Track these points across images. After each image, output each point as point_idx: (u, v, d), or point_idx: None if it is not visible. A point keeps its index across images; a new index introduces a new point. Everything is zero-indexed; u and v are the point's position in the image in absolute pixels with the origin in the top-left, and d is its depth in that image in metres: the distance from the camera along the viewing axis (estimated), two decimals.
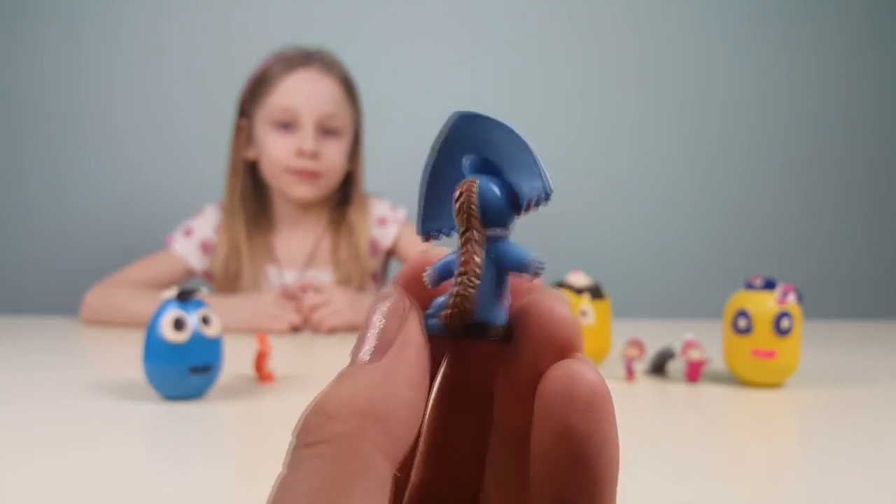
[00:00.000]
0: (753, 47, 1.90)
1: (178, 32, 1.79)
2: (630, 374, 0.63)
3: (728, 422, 0.52)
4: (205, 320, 0.54)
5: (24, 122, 1.77)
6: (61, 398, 0.55)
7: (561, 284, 0.68)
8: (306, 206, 1.10)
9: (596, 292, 0.66)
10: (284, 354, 0.73)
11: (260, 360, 0.61)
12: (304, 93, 1.02)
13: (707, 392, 0.60)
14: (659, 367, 0.65)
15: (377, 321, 0.13)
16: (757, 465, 0.42)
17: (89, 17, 1.78)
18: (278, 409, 0.55)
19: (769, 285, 0.59)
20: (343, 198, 1.12)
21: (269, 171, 1.05)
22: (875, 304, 1.88)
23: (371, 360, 0.12)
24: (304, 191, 1.04)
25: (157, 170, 1.79)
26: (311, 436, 0.12)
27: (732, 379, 0.63)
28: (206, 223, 1.12)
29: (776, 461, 0.42)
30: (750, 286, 0.61)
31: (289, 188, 1.05)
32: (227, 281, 1.07)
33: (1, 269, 1.77)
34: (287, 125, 1.02)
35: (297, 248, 1.11)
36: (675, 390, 0.60)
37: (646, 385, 0.62)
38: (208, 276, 1.12)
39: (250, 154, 1.08)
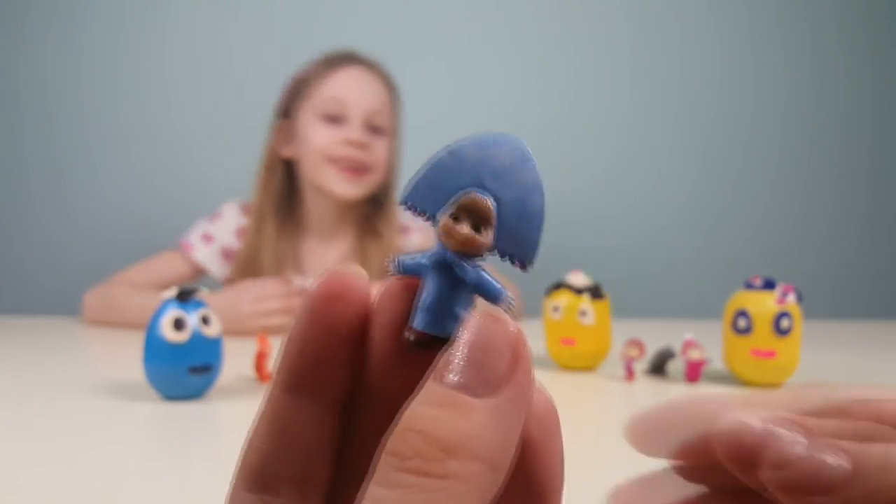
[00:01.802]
0: (752, 47, 1.90)
1: (182, 34, 1.79)
2: (630, 374, 0.63)
3: None
4: (205, 320, 0.54)
5: (24, 122, 1.77)
6: (61, 398, 0.55)
7: (561, 284, 0.68)
8: (340, 211, 1.06)
9: (596, 292, 0.67)
10: None
11: (260, 360, 0.61)
12: (352, 87, 1.01)
13: (706, 392, 0.60)
14: (659, 367, 0.65)
15: (488, 345, 0.12)
16: None
17: (95, 18, 1.78)
18: None
19: (769, 285, 0.59)
20: (374, 204, 1.08)
21: (312, 163, 1.01)
22: (875, 303, 1.88)
23: (481, 395, 0.11)
24: (346, 189, 1.00)
25: (157, 171, 1.79)
26: (424, 465, 0.11)
27: (732, 379, 0.63)
28: (228, 227, 1.07)
29: None
30: (750, 286, 0.61)
31: (330, 183, 1.00)
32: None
33: (2, 269, 1.77)
34: (335, 118, 1.00)
35: (326, 255, 1.07)
36: (675, 390, 0.60)
37: (645, 385, 0.62)
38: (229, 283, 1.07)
39: (287, 151, 1.06)
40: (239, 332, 0.82)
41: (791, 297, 0.58)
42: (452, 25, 1.82)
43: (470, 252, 0.13)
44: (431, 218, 0.13)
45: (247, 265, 1.02)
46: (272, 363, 0.61)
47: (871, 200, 1.94)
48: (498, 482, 0.11)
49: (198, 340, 0.53)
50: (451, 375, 0.11)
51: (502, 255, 0.13)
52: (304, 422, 0.13)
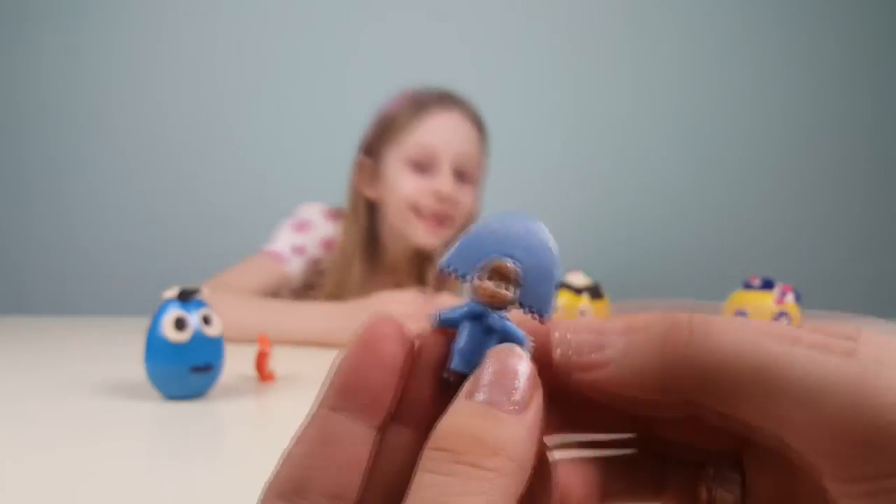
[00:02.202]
0: (751, 47, 1.90)
1: (177, 36, 1.79)
2: None
3: None
4: (206, 320, 0.54)
5: (27, 124, 1.77)
6: (63, 398, 0.56)
7: (560, 284, 0.68)
8: (417, 253, 1.04)
9: (595, 292, 0.67)
10: (285, 354, 0.74)
11: (261, 360, 0.61)
12: (444, 134, 0.99)
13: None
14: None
15: (509, 372, 0.14)
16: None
17: (91, 20, 1.78)
18: (279, 408, 0.55)
19: (767, 285, 0.60)
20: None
21: (396, 211, 1.00)
22: (874, 303, 1.89)
23: (508, 411, 0.14)
24: (429, 239, 0.98)
25: (158, 172, 1.79)
26: (477, 460, 0.13)
27: None
28: (316, 237, 1.05)
29: None
30: (748, 286, 0.61)
31: (414, 232, 0.99)
32: None
33: (4, 269, 1.77)
34: (423, 166, 0.98)
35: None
36: None
37: None
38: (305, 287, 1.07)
39: (371, 192, 1.03)
40: None
41: (790, 297, 0.58)
42: (452, 25, 1.82)
43: (497, 305, 0.16)
44: (464, 278, 0.17)
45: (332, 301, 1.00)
46: (273, 363, 0.62)
47: (869, 199, 1.94)
48: (524, 481, 0.14)
49: (199, 340, 0.53)
50: (480, 394, 0.14)
51: (523, 309, 0.16)
52: (345, 439, 0.15)
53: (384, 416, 0.15)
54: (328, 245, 1.05)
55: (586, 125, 1.89)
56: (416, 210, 0.97)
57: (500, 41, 1.85)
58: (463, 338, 0.16)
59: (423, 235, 0.98)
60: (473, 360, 0.15)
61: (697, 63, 1.89)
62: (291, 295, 1.05)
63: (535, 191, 1.85)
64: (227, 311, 0.83)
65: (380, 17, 1.79)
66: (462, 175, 0.99)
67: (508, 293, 0.16)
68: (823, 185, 1.93)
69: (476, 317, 0.16)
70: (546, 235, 0.17)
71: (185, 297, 0.54)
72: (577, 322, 0.16)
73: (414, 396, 0.16)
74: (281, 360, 0.67)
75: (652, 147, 1.90)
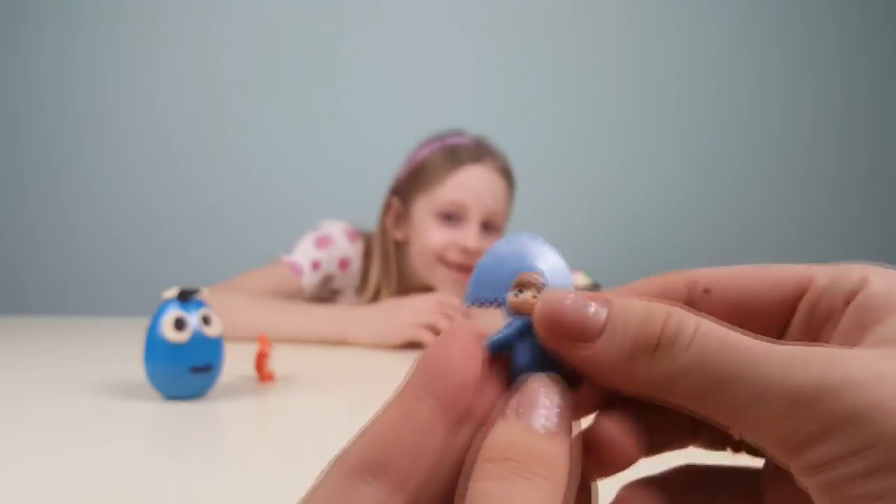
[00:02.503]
0: (749, 49, 1.90)
1: (175, 39, 1.79)
2: None
3: None
4: (205, 320, 0.54)
5: (32, 125, 1.78)
6: (63, 398, 0.56)
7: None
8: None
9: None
10: (284, 355, 0.74)
11: (260, 361, 0.61)
12: (474, 188, 1.01)
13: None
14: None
15: (545, 396, 0.16)
16: (749, 461, 0.42)
17: (90, 21, 1.78)
18: (279, 408, 0.55)
19: None
20: None
21: (422, 257, 1.03)
22: None
23: (550, 433, 0.15)
24: (453, 289, 1.00)
25: (159, 173, 1.80)
26: (531, 462, 0.14)
27: None
28: (335, 255, 1.06)
29: None
30: None
31: (439, 282, 1.02)
32: None
33: (5, 270, 1.77)
34: (452, 217, 1.01)
35: None
36: None
37: None
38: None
39: (399, 234, 1.06)
40: (391, 340, 0.85)
41: None
42: (450, 24, 1.82)
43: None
44: (497, 302, 0.18)
45: None
46: (272, 363, 0.62)
47: (868, 201, 1.95)
48: (570, 500, 0.15)
49: (199, 340, 0.53)
50: (526, 416, 0.15)
51: None
52: (425, 428, 0.15)
53: (461, 413, 0.16)
54: (344, 264, 1.07)
55: (587, 127, 1.89)
56: (442, 259, 1.00)
57: (499, 42, 1.85)
58: (521, 353, 0.17)
59: (447, 285, 1.00)
60: (540, 368, 0.17)
61: (697, 68, 1.90)
62: None
63: (536, 192, 1.86)
64: (236, 311, 0.84)
65: (382, 21, 1.79)
66: (489, 225, 1.02)
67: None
68: (824, 185, 1.93)
69: (525, 330, 0.17)
70: (541, 238, 0.19)
71: (185, 298, 0.54)
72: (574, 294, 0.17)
73: (482, 401, 0.17)
74: (280, 361, 0.67)
75: (653, 149, 1.90)
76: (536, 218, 1.92)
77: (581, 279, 0.68)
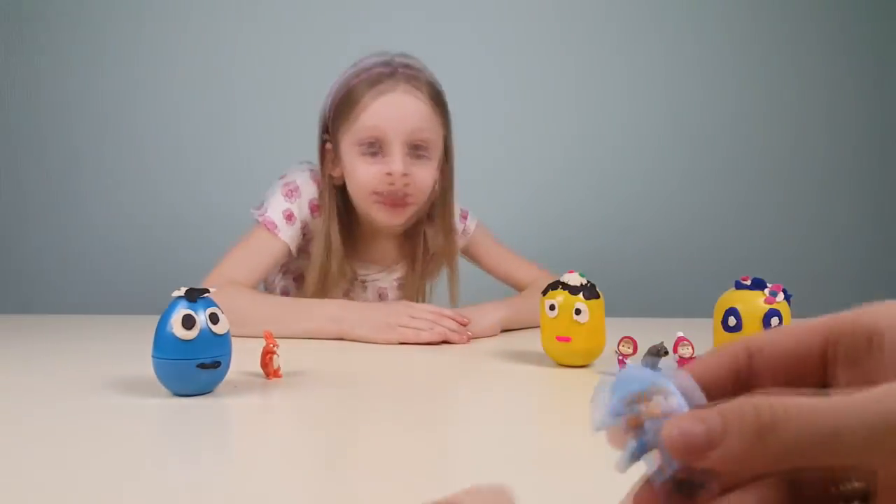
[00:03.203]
0: (744, 52, 1.92)
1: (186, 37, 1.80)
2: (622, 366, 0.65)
3: None
4: (213, 318, 0.56)
5: (36, 125, 1.78)
6: (73, 395, 0.57)
7: (557, 284, 0.70)
8: (392, 231, 1.07)
9: (591, 292, 0.68)
10: (290, 352, 0.75)
11: (266, 358, 0.63)
12: (391, 113, 0.96)
13: None
14: (651, 364, 0.66)
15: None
16: None
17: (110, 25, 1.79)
18: (285, 405, 0.56)
19: (758, 284, 0.61)
20: (428, 220, 1.09)
21: (357, 196, 1.01)
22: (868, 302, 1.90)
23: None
24: (390, 219, 1.00)
25: (161, 174, 1.81)
26: None
27: None
28: (304, 202, 1.05)
29: None
30: (740, 285, 0.62)
31: (376, 215, 1.00)
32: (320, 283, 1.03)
33: (14, 269, 1.78)
34: (374, 147, 0.97)
35: (387, 271, 1.11)
36: None
37: None
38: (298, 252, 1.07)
39: (337, 174, 1.03)
40: (385, 338, 0.86)
41: (780, 297, 0.60)
42: (449, 23, 1.84)
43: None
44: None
45: (317, 287, 1.02)
46: (278, 360, 0.63)
47: (867, 202, 1.96)
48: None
49: (206, 337, 0.55)
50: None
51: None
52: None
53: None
54: (314, 209, 1.04)
55: (581, 127, 1.90)
56: (375, 194, 0.98)
57: (498, 42, 1.87)
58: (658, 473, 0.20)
59: (382, 216, 0.99)
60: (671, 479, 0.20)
61: (693, 66, 1.91)
62: (290, 264, 1.08)
63: (531, 193, 1.87)
64: (242, 313, 0.83)
65: (384, 18, 1.81)
66: (417, 150, 0.98)
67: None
68: (823, 186, 1.95)
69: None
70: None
71: (193, 297, 0.56)
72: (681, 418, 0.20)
73: None
74: (286, 358, 0.69)
75: (647, 148, 1.92)
76: (536, 219, 1.94)
77: (576, 279, 0.69)
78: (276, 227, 1.01)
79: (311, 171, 1.07)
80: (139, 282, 1.76)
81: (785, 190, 1.94)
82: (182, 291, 0.56)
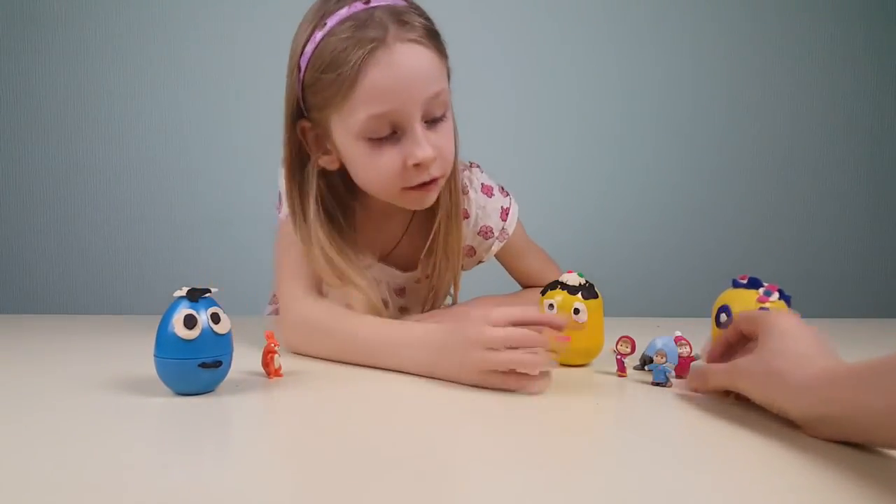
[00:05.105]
0: (751, 48, 1.92)
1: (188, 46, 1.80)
2: (622, 369, 0.66)
3: (713, 414, 0.54)
4: (214, 318, 0.56)
5: (39, 126, 1.79)
6: (75, 394, 0.57)
7: (556, 284, 0.70)
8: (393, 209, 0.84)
9: (589, 291, 0.69)
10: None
11: (268, 357, 0.63)
12: (396, 86, 0.70)
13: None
14: (649, 363, 0.67)
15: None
16: (741, 457, 0.45)
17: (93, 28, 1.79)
18: (286, 404, 0.57)
19: (753, 283, 0.62)
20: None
21: (373, 190, 0.79)
22: (867, 303, 1.91)
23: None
24: (421, 203, 0.78)
25: (162, 174, 1.81)
26: None
27: None
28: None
29: (760, 452, 0.45)
30: (737, 284, 0.63)
31: (403, 203, 0.79)
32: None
33: (20, 272, 1.79)
34: (384, 132, 0.72)
35: (386, 235, 0.89)
36: (665, 386, 0.62)
37: (636, 380, 0.64)
38: None
39: (330, 164, 0.79)
40: (458, 378, 0.62)
41: (775, 296, 0.60)
42: (448, 22, 1.84)
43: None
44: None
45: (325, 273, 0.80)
46: (280, 360, 0.63)
47: (867, 204, 1.97)
48: None
49: (208, 337, 0.55)
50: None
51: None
52: None
53: None
54: None
55: (580, 127, 1.91)
56: (404, 188, 0.76)
57: (496, 41, 1.87)
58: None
59: (414, 204, 0.79)
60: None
61: (694, 65, 1.92)
62: None
63: (531, 193, 1.87)
64: (326, 353, 0.71)
65: None
66: (433, 116, 0.74)
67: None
68: (823, 188, 1.95)
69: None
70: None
71: (195, 296, 0.56)
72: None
73: None
74: (288, 357, 0.69)
75: (647, 148, 1.92)
76: (535, 220, 1.94)
77: (575, 279, 0.70)
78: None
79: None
80: (139, 282, 1.76)
81: (785, 190, 1.95)
82: (184, 291, 0.56)
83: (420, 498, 0.36)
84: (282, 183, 0.83)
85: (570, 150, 1.90)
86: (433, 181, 0.76)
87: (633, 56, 1.90)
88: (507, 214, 0.93)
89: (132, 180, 1.80)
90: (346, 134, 0.73)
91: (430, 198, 0.78)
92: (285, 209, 0.82)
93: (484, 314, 0.62)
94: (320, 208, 0.78)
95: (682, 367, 0.64)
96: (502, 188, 0.95)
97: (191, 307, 0.55)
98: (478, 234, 0.92)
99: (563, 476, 0.39)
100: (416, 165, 0.72)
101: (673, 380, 0.62)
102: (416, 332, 0.67)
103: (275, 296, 1.11)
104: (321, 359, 0.72)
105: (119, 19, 1.78)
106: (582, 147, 1.91)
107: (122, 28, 1.78)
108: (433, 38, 0.74)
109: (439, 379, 0.63)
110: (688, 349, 0.64)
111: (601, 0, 1.88)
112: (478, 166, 0.94)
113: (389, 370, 0.67)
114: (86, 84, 1.77)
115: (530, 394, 0.58)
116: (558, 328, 0.62)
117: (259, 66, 1.80)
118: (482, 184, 0.92)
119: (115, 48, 1.78)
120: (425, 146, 0.72)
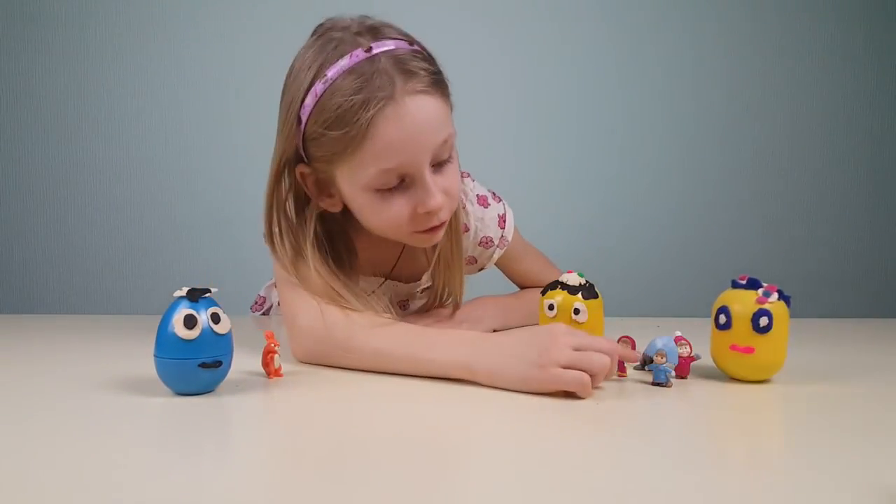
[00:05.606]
0: (749, 50, 1.92)
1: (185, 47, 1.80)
2: (622, 369, 0.66)
3: (713, 415, 0.54)
4: (214, 318, 0.56)
5: (41, 126, 1.79)
6: (75, 394, 0.57)
7: (556, 284, 0.70)
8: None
9: (589, 291, 0.69)
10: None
11: (268, 357, 0.63)
12: (405, 139, 0.68)
13: (694, 386, 0.62)
14: (649, 363, 0.67)
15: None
16: (739, 457, 0.45)
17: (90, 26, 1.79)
18: (286, 404, 0.57)
19: (753, 284, 0.62)
20: None
21: (380, 232, 0.77)
22: (867, 303, 1.91)
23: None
24: (430, 242, 0.78)
25: (163, 174, 1.81)
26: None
27: (720, 375, 0.65)
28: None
29: (758, 453, 0.45)
30: (736, 284, 0.63)
31: (411, 243, 0.80)
32: None
33: (21, 272, 1.79)
34: (393, 183, 0.71)
35: (384, 254, 0.88)
36: (665, 385, 0.62)
37: (636, 380, 0.64)
38: None
39: (332, 206, 0.77)
40: (535, 385, 0.59)
41: (774, 297, 0.60)
42: (446, 21, 1.84)
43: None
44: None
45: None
46: (279, 360, 0.64)
47: (867, 204, 1.97)
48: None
49: (208, 337, 0.55)
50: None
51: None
52: None
53: None
54: None
55: (580, 127, 1.91)
56: (413, 233, 0.75)
57: (496, 41, 1.87)
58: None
59: (423, 243, 0.78)
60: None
61: (694, 66, 1.92)
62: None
63: (531, 193, 1.87)
64: (355, 364, 0.68)
65: (384, 15, 1.81)
66: (440, 160, 0.73)
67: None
68: (823, 189, 1.95)
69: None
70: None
71: (195, 296, 0.56)
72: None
73: None
74: (288, 357, 0.69)
75: (647, 149, 1.92)
76: (534, 220, 1.94)
77: (575, 279, 0.70)
78: None
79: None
80: (139, 282, 1.76)
81: (785, 190, 1.95)
82: (184, 291, 0.56)
83: (420, 498, 0.36)
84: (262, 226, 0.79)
85: (570, 151, 1.90)
86: (441, 223, 0.75)
87: (633, 56, 1.90)
88: (503, 221, 0.93)
89: (132, 180, 1.80)
90: (352, 184, 0.72)
91: (438, 237, 0.77)
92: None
93: (569, 333, 0.61)
94: (316, 250, 0.76)
95: (682, 367, 0.64)
96: (494, 193, 0.95)
97: (191, 307, 0.55)
98: (479, 245, 0.92)
99: (563, 476, 0.39)
100: (427, 214, 0.72)
101: (673, 380, 0.62)
102: (459, 339, 0.67)
103: (260, 297, 1.16)
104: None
105: (119, 19, 1.78)
106: (582, 147, 1.91)
107: (122, 27, 1.78)
108: (438, 84, 0.73)
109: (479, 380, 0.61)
110: (688, 349, 0.64)
111: (601, 0, 1.88)
112: (468, 175, 0.93)
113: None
114: (86, 83, 1.77)
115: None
116: (630, 360, 0.65)
117: (259, 66, 1.80)
118: (477, 195, 0.92)
119: (115, 47, 1.78)
120: (436, 194, 0.71)
